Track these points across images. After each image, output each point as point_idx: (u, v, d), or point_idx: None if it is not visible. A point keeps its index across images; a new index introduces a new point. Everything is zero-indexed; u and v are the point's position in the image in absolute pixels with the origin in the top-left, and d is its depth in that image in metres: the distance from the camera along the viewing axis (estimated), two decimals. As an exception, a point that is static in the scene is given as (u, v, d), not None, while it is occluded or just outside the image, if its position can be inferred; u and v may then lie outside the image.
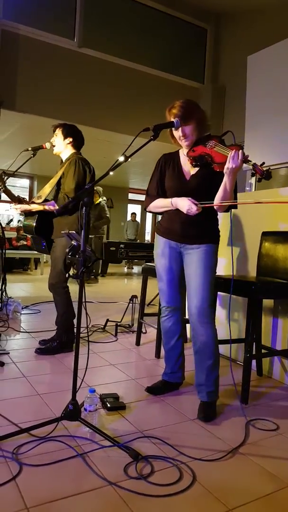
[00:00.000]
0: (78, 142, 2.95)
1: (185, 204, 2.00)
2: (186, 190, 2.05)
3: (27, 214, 2.88)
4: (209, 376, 2.05)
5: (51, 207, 2.83)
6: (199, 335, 2.05)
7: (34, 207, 2.83)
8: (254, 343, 2.45)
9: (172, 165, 2.15)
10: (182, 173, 2.11)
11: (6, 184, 2.78)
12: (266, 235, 2.66)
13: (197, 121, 2.02)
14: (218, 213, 2.15)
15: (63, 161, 2.96)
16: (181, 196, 2.04)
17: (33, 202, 2.85)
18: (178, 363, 2.32)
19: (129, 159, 1.85)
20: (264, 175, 1.81)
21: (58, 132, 2.90)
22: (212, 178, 2.01)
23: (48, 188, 2.88)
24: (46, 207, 2.83)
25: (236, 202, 2.02)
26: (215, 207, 2.04)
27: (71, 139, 2.91)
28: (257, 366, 2.69)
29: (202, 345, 2.04)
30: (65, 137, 2.89)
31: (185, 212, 2.00)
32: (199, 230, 2.08)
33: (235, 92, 6.56)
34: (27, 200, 2.88)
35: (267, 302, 2.69)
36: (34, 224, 2.86)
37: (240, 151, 1.85)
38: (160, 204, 2.16)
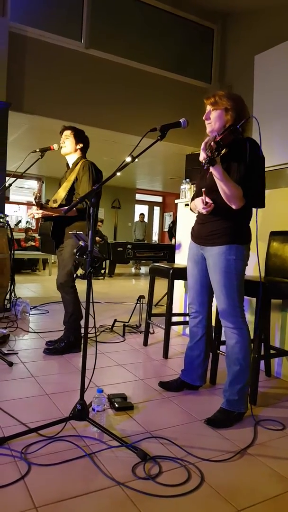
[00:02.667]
0: (86, 148, 3.04)
1: (197, 203, 2.01)
2: (204, 187, 2.01)
3: (46, 218, 2.91)
4: (233, 383, 2.00)
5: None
6: (227, 339, 2.04)
7: (55, 213, 2.83)
8: (262, 344, 2.44)
9: None
10: (206, 170, 2.06)
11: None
12: (274, 234, 2.64)
13: (225, 110, 1.96)
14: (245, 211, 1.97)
15: (71, 165, 2.99)
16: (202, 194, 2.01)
17: (55, 208, 2.86)
18: (194, 365, 2.30)
19: (136, 160, 1.85)
20: (207, 162, 1.74)
21: (70, 135, 2.94)
22: (227, 171, 1.90)
23: (62, 193, 2.91)
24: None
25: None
26: (228, 203, 1.89)
27: (81, 145, 2.98)
28: (265, 367, 2.68)
29: (229, 348, 2.02)
30: (77, 142, 2.95)
31: (201, 211, 1.98)
32: (211, 230, 2.01)
33: (242, 92, 6.49)
34: (47, 204, 2.91)
35: (276, 302, 2.67)
36: (51, 227, 2.88)
37: (207, 140, 1.80)
38: (192, 206, 2.18)
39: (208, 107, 2.02)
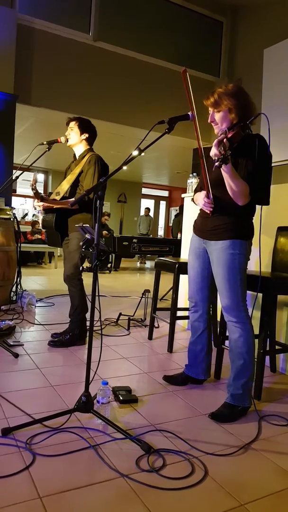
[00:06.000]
0: (92, 137, 3.00)
1: (198, 199, 2.02)
2: (210, 182, 1.99)
3: (47, 210, 2.90)
4: (237, 377, 1.99)
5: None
6: (230, 333, 2.03)
7: (57, 205, 2.83)
8: (268, 339, 2.43)
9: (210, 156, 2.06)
10: (211, 164, 2.01)
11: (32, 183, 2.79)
12: (281, 230, 2.62)
13: (229, 110, 1.93)
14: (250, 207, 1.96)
15: (77, 156, 2.98)
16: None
17: (55, 200, 2.86)
18: (198, 359, 2.30)
19: (143, 153, 1.84)
20: (220, 160, 1.70)
21: (74, 126, 2.91)
22: (234, 167, 1.87)
23: (66, 185, 2.90)
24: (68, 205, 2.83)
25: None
26: (234, 200, 1.88)
27: (87, 135, 2.94)
28: (270, 362, 2.67)
29: (232, 343, 2.02)
30: (82, 132, 2.92)
31: (202, 207, 1.99)
32: (215, 224, 2.00)
33: (251, 86, 6.45)
34: (48, 197, 2.90)
35: (282, 298, 2.66)
36: (53, 220, 2.88)
37: (220, 138, 1.77)
38: (195, 198, 2.16)
39: (210, 109, 1.99)
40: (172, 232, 11.53)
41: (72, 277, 2.90)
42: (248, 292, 2.07)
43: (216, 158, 1.76)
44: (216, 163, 1.72)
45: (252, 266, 2.85)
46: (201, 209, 2.13)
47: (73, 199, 2.85)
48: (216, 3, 6.93)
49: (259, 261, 2.05)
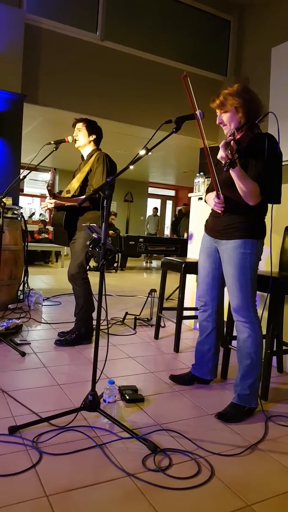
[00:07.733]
0: (99, 138, 3.03)
1: (209, 199, 2.01)
2: (220, 182, 1.98)
3: (58, 208, 2.92)
4: (244, 377, 1.98)
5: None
6: (238, 333, 2.02)
7: (68, 203, 2.85)
8: (275, 340, 2.41)
9: None
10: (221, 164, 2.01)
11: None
12: (289, 230, 2.60)
13: (235, 109, 1.92)
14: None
15: (85, 157, 2.99)
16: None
17: (68, 198, 2.88)
18: (205, 359, 2.29)
19: (150, 153, 1.84)
20: (227, 164, 1.69)
21: (82, 127, 2.93)
22: (244, 167, 1.87)
23: (76, 184, 2.92)
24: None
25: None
26: (245, 200, 1.88)
27: (95, 136, 2.97)
28: (277, 363, 2.66)
29: (240, 343, 2.01)
30: (90, 133, 2.95)
31: (213, 208, 1.99)
32: (227, 224, 1.99)
33: (259, 85, 6.42)
34: (60, 194, 2.92)
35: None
36: (64, 217, 2.90)
37: (227, 140, 1.75)
38: (207, 198, 2.15)
39: (218, 111, 1.99)
40: (179, 232, 11.49)
41: (77, 276, 2.91)
42: (257, 292, 2.06)
43: (223, 161, 1.75)
44: (224, 168, 1.71)
45: (262, 266, 2.84)
46: (212, 209, 2.12)
47: (83, 197, 2.86)
48: (223, 2, 6.90)
49: (270, 261, 2.04)
